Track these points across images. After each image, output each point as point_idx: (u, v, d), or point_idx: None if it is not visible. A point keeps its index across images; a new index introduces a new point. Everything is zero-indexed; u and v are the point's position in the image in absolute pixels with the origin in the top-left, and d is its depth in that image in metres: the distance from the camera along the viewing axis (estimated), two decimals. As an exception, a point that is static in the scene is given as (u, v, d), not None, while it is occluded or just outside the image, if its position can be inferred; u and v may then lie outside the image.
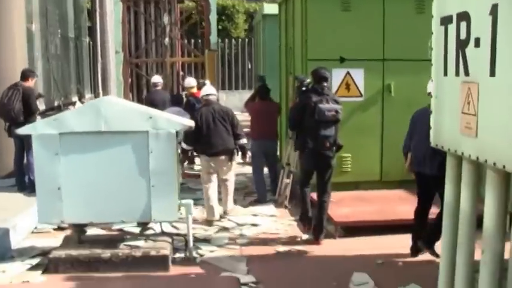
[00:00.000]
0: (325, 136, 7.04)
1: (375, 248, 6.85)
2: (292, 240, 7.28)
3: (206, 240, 7.29)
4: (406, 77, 8.67)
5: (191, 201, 6.63)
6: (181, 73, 17.39)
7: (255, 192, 9.75)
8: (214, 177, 8.29)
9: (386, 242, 7.04)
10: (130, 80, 15.69)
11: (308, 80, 7.61)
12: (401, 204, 7.97)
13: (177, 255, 6.72)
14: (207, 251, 6.90)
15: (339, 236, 7.33)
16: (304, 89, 7.47)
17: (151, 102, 11.00)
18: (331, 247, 7.01)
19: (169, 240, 6.76)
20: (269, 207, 8.85)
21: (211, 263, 6.55)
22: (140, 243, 6.57)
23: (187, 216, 6.61)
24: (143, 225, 6.69)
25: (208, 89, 8.81)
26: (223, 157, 8.18)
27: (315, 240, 7.16)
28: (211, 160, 8.18)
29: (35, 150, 6.30)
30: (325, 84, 7.22)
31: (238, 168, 11.93)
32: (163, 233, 6.96)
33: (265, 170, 9.88)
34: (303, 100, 7.28)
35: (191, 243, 6.68)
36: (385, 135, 8.89)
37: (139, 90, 15.31)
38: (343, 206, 7.98)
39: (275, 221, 8.13)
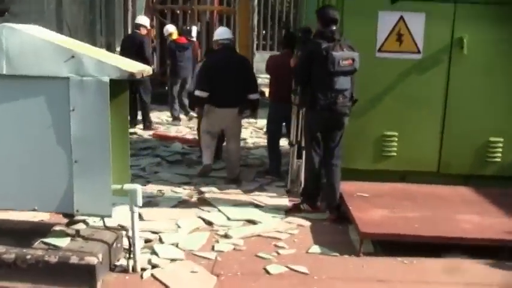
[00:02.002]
0: (340, 90, 5.74)
1: (418, 283, 4.51)
2: (294, 254, 5.00)
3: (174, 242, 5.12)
4: (486, 29, 6.20)
5: (138, 187, 4.43)
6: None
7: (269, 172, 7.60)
8: (215, 133, 7.39)
9: (436, 274, 4.68)
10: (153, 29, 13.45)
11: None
12: (465, 211, 5.61)
13: (122, 261, 4.59)
14: (165, 260, 4.72)
15: (364, 253, 5.00)
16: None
17: (122, 45, 9.73)
18: (349, 273, 4.69)
19: (110, 240, 4.60)
20: (279, 198, 6.53)
21: (163, 281, 4.38)
22: (64, 241, 4.45)
23: (131, 208, 4.43)
24: (68, 217, 4.55)
25: (225, 33, 7.60)
26: (232, 110, 7.17)
27: (332, 218, 5.88)
28: (218, 112, 7.15)
29: None
30: (334, 28, 5.75)
31: (260, 139, 9.74)
32: (106, 228, 4.80)
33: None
34: (310, 47, 5.85)
35: (138, 250, 4.52)
36: (449, 109, 6.43)
37: (163, 41, 12.98)
38: (378, 205, 5.64)
39: (280, 219, 5.85)
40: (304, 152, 6.29)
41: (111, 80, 4.14)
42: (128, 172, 4.62)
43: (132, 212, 4.43)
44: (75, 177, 4.20)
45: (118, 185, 4.42)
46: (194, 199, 6.42)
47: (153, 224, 5.46)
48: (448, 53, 6.31)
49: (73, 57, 4.06)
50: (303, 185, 6.37)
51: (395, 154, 6.47)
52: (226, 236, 5.32)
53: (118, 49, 15.95)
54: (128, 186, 4.42)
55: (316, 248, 5.09)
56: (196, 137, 9.43)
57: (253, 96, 7.32)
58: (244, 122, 10.57)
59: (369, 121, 6.35)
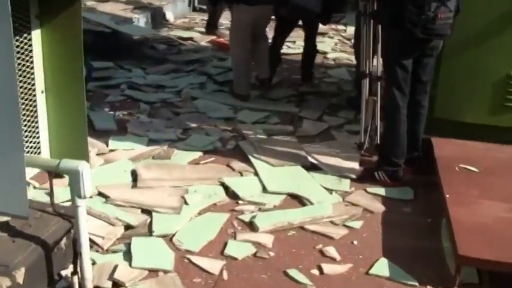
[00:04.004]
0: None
1: None
2: (346, 274, 3.06)
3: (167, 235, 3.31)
4: None
5: (83, 166, 2.55)
6: None
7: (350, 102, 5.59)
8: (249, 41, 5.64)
9: None
10: None
11: None
12: None
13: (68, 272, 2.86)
14: (139, 271, 2.94)
15: (462, 286, 2.98)
16: None
17: None
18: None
19: (54, 236, 2.84)
20: (348, 155, 4.49)
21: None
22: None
23: (73, 199, 2.61)
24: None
25: None
26: (266, 8, 5.54)
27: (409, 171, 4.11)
28: (252, 12, 5.45)
29: None
30: None
31: (344, 54, 7.54)
32: (56, 213, 3.02)
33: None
34: None
35: (86, 261, 2.72)
36: None
37: None
38: (492, 194, 3.53)
39: (340, 196, 3.88)
40: (383, 88, 4.20)
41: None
42: (84, 138, 2.74)
43: (76, 207, 2.61)
44: (-32, 152, 2.40)
45: (55, 159, 2.61)
46: (228, 147, 4.53)
47: (149, 195, 3.65)
48: None
49: None
50: (380, 139, 4.34)
51: (524, 104, 4.25)
52: (250, 225, 3.45)
53: None
54: (66, 163, 2.56)
55: (383, 266, 3.12)
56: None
57: None
58: (328, 28, 8.42)
59: (485, 56, 4.14)
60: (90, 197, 3.59)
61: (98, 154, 4.21)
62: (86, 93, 4.93)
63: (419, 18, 3.66)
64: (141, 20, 7.58)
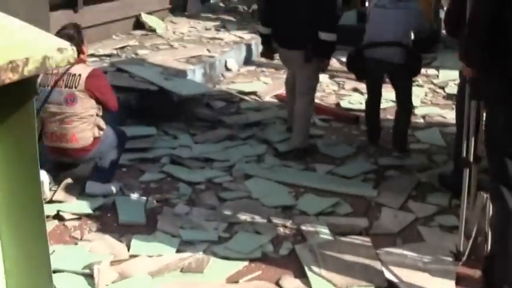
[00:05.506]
0: None
1: None
2: None
3: None
4: None
5: None
6: None
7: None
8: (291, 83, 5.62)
9: None
10: None
11: None
12: None
13: None
14: None
15: None
16: None
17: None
18: None
19: None
20: (442, 268, 3.57)
21: None
22: None
23: None
24: None
25: None
26: (296, 53, 5.22)
27: None
28: (281, 53, 5.56)
29: None
30: None
31: (436, 110, 6.59)
32: None
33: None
34: None
35: None
36: None
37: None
38: None
39: None
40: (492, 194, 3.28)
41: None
42: (48, 277, 2.01)
43: None
44: None
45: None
46: (281, 253, 3.71)
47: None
48: None
49: None
50: (488, 251, 3.42)
51: None
52: None
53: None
54: None
55: None
56: (342, 103, 6.67)
57: (325, 36, 5.08)
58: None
59: None
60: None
61: (114, 262, 3.49)
62: (118, 168, 4.20)
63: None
64: (197, 71, 6.89)
